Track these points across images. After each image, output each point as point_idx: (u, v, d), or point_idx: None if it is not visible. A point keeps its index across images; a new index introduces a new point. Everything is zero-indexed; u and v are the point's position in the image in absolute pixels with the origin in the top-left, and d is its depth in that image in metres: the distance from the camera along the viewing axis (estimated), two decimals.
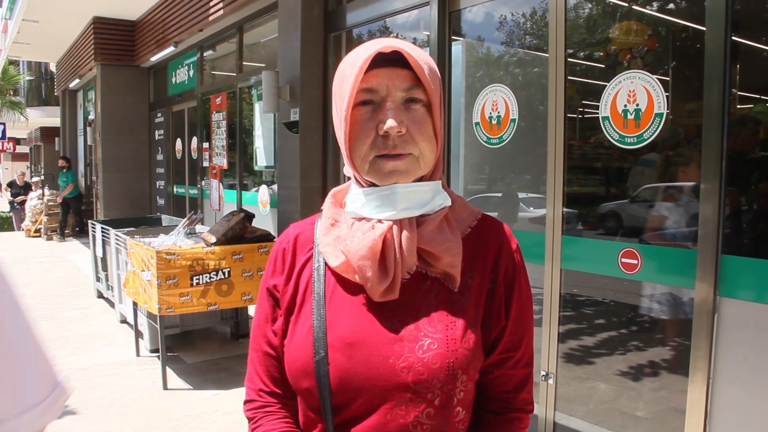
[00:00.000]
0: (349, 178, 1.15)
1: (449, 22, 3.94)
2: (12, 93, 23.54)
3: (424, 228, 1.06)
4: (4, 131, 19.13)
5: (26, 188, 16.04)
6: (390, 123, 1.00)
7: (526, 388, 1.15)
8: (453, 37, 4.00)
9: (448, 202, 1.10)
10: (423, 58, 1.04)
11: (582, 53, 3.60)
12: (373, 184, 1.07)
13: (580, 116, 3.57)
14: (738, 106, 2.67)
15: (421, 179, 1.07)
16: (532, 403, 1.17)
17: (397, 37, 4.89)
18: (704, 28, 2.63)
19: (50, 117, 21.60)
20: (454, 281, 1.07)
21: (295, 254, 1.17)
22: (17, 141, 26.96)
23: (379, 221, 1.06)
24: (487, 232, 1.14)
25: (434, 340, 1.03)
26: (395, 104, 1.02)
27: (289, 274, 1.16)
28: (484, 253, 1.11)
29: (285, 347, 1.13)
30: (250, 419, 1.20)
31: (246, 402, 1.21)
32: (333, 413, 1.06)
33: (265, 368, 1.18)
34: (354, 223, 1.09)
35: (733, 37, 2.55)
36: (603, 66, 3.57)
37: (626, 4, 6.96)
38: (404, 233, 1.04)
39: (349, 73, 1.03)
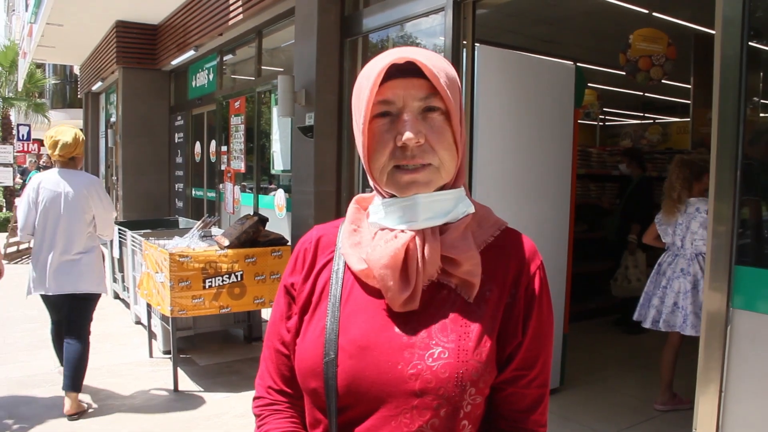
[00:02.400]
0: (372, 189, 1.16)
1: (463, 28, 3.91)
2: (37, 95, 23.89)
3: (447, 235, 1.06)
4: (29, 133, 19.36)
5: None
6: (408, 135, 1.00)
7: (539, 410, 1.11)
8: (465, 42, 3.96)
9: (472, 209, 1.10)
10: (439, 66, 1.03)
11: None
12: (393, 195, 1.07)
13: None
14: (752, 114, 2.61)
15: (443, 187, 1.07)
16: (545, 425, 1.14)
17: (413, 43, 4.87)
18: (715, 32, 2.58)
19: (74, 119, 21.88)
20: (472, 290, 1.06)
21: (316, 255, 1.18)
22: (42, 143, 27.31)
23: (402, 231, 1.05)
24: (510, 245, 1.13)
25: (445, 349, 1.02)
26: (412, 115, 1.02)
27: (307, 274, 1.17)
28: (504, 266, 1.10)
29: (297, 346, 1.14)
30: (257, 416, 1.21)
31: (255, 399, 1.23)
32: (338, 415, 1.05)
33: (276, 366, 1.19)
34: (377, 233, 1.09)
35: (750, 44, 2.49)
36: None
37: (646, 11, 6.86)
38: (427, 242, 1.04)
39: (365, 85, 1.03)
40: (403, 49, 1.04)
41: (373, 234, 1.10)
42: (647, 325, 4.34)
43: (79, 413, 4.17)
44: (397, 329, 1.05)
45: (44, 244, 4.19)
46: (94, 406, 4.45)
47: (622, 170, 6.73)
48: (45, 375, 4.96)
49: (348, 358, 1.05)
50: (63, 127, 4.37)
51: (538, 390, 1.11)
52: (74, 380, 4.17)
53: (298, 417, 1.18)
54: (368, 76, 1.03)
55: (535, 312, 1.10)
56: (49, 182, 4.21)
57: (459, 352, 1.02)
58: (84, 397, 4.45)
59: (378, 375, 1.03)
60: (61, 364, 4.34)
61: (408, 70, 1.02)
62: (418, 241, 1.04)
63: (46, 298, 4.31)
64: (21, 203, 4.32)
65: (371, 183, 1.11)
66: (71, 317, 4.25)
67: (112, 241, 7.00)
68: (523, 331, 1.09)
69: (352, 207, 1.19)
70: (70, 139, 4.22)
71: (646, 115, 13.64)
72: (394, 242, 1.04)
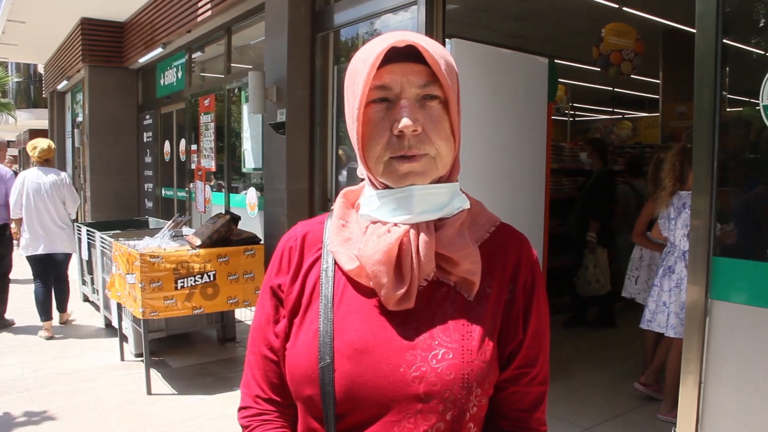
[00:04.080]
0: (362, 179, 1.09)
1: (436, 22, 3.89)
2: (0, 95, 23.38)
3: (442, 232, 1.01)
4: None
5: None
6: (405, 122, 0.95)
7: (540, 408, 1.09)
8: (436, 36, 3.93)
9: (467, 205, 1.06)
10: (439, 52, 0.99)
11: None
12: (387, 186, 1.02)
13: None
14: (728, 108, 2.62)
15: (438, 180, 1.02)
16: (545, 423, 1.11)
17: None
18: (694, 30, 2.58)
19: (39, 119, 21.48)
20: (472, 288, 1.02)
21: (303, 253, 1.12)
22: (7, 143, 26.74)
23: (396, 225, 1.00)
24: (507, 240, 1.09)
25: (449, 349, 0.98)
26: (410, 102, 0.97)
27: (295, 274, 1.10)
28: (502, 262, 1.06)
29: (287, 351, 1.07)
30: (244, 427, 1.14)
31: (241, 408, 1.15)
32: (336, 424, 0.99)
33: (264, 373, 1.12)
34: (369, 227, 1.04)
35: (724, 40, 2.50)
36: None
37: (615, 5, 6.92)
38: (422, 237, 0.99)
39: (361, 68, 0.97)
40: (402, 32, 0.99)
41: (364, 228, 1.05)
42: (642, 325, 4.22)
43: (68, 321, 6.54)
44: (396, 330, 1.00)
45: (34, 219, 5.99)
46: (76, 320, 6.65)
47: (582, 160, 6.60)
48: (13, 382, 4.83)
49: (345, 362, 0.99)
50: (41, 139, 6.41)
51: (539, 387, 1.08)
52: (63, 305, 6.45)
53: (289, 427, 1.12)
54: (365, 59, 0.97)
55: (534, 308, 1.07)
56: (31, 176, 6.09)
57: (463, 352, 0.99)
58: (55, 401, 4.38)
59: (379, 379, 0.98)
60: (42, 320, 6.11)
61: (406, 55, 0.98)
62: (412, 235, 1.00)
63: (32, 258, 6.10)
64: (13, 191, 6.08)
65: (363, 173, 1.06)
66: (57, 270, 6.27)
67: (80, 243, 6.88)
68: (524, 328, 1.06)
69: (339, 201, 1.13)
70: (45, 146, 6.21)
71: (615, 110, 13.79)
72: (387, 237, 1.00)
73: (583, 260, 6.09)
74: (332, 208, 1.14)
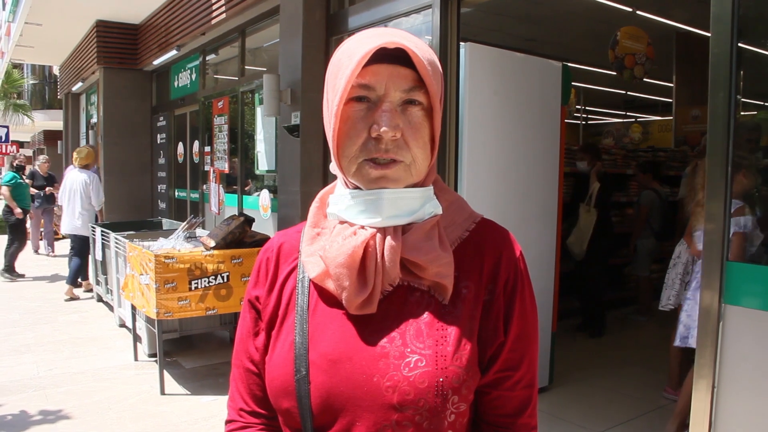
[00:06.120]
0: (336, 177, 1.07)
1: (451, 25, 3.90)
2: (16, 96, 23.58)
3: (409, 236, 0.98)
4: (7, 134, 19.02)
5: (50, 180, 11.78)
6: (384, 129, 0.93)
7: (526, 412, 1.04)
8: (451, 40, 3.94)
9: (439, 211, 1.02)
10: (428, 57, 0.96)
11: None
12: (358, 186, 1.00)
13: None
14: (743, 112, 2.62)
15: (412, 186, 1.00)
16: (535, 427, 1.06)
17: None
18: (708, 33, 2.58)
19: (53, 120, 21.63)
20: (446, 292, 0.99)
21: (278, 264, 1.10)
22: (21, 144, 26.96)
23: (362, 227, 0.98)
24: (486, 237, 1.05)
25: (422, 356, 0.95)
26: (392, 106, 0.94)
27: (271, 285, 1.09)
28: (480, 261, 1.02)
29: (266, 364, 1.06)
30: None
31: (227, 422, 1.14)
32: None
33: (247, 386, 1.11)
34: (336, 227, 1.02)
35: (740, 43, 2.50)
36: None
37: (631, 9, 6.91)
38: (388, 242, 0.97)
39: (345, 64, 0.94)
40: (391, 31, 0.97)
41: (332, 228, 1.03)
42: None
43: (73, 298, 7.91)
44: (369, 338, 0.98)
45: (68, 207, 7.90)
46: (83, 298, 8.00)
47: (580, 168, 6.52)
48: (29, 380, 4.89)
49: (320, 373, 0.98)
50: (82, 147, 8.39)
51: (524, 391, 1.04)
52: (73, 280, 7.99)
53: None
54: (351, 55, 0.94)
55: (517, 308, 1.02)
56: (70, 175, 8.05)
57: (437, 359, 0.95)
58: (70, 400, 4.43)
59: (353, 389, 0.96)
60: (83, 278, 8.24)
61: (393, 56, 0.94)
62: (378, 240, 0.97)
63: (68, 235, 8.13)
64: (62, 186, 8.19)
65: (335, 169, 1.03)
66: (75, 248, 8.02)
67: (95, 243, 6.95)
68: (505, 329, 1.01)
69: (313, 207, 1.10)
70: (84, 155, 8.05)
71: (628, 113, 13.74)
72: (352, 239, 0.97)
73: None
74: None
